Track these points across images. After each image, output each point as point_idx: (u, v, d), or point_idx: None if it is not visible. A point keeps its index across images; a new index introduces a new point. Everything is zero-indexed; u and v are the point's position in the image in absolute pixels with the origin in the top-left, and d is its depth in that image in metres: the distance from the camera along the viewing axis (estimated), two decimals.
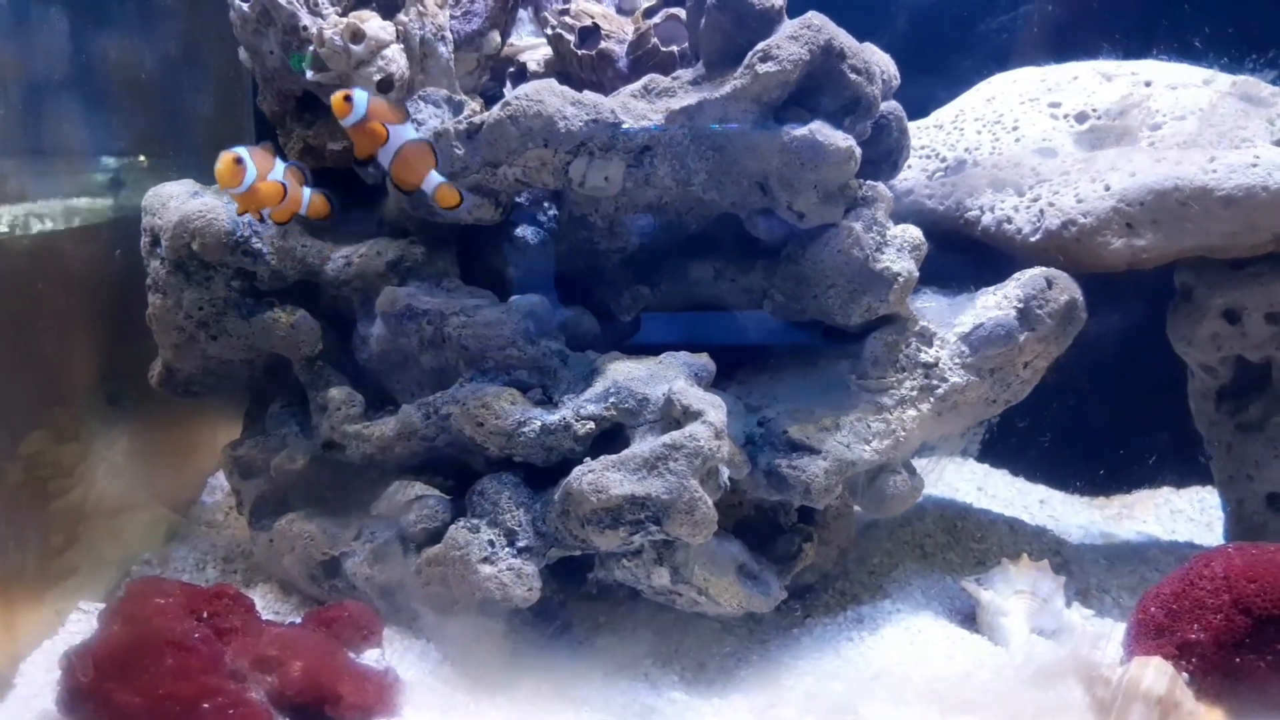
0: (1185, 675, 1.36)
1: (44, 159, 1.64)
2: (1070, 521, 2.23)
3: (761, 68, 1.52)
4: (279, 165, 1.50)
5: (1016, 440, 2.32)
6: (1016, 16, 2.24)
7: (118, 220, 1.78)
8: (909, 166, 1.88)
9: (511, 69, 1.83)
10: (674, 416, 1.48)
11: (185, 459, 2.07)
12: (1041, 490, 2.43)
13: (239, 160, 1.44)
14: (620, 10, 1.90)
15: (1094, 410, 2.34)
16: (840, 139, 1.54)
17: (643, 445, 1.46)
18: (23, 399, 1.52)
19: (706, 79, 1.58)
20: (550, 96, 1.50)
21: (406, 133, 1.46)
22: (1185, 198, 1.66)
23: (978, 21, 2.24)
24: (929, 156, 1.91)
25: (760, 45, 1.53)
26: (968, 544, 1.99)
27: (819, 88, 1.58)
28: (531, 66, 1.80)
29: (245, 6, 1.58)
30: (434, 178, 1.48)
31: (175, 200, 1.63)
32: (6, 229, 1.49)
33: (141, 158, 1.89)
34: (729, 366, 1.67)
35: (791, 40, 1.53)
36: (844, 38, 1.57)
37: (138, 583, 1.40)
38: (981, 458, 2.47)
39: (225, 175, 1.43)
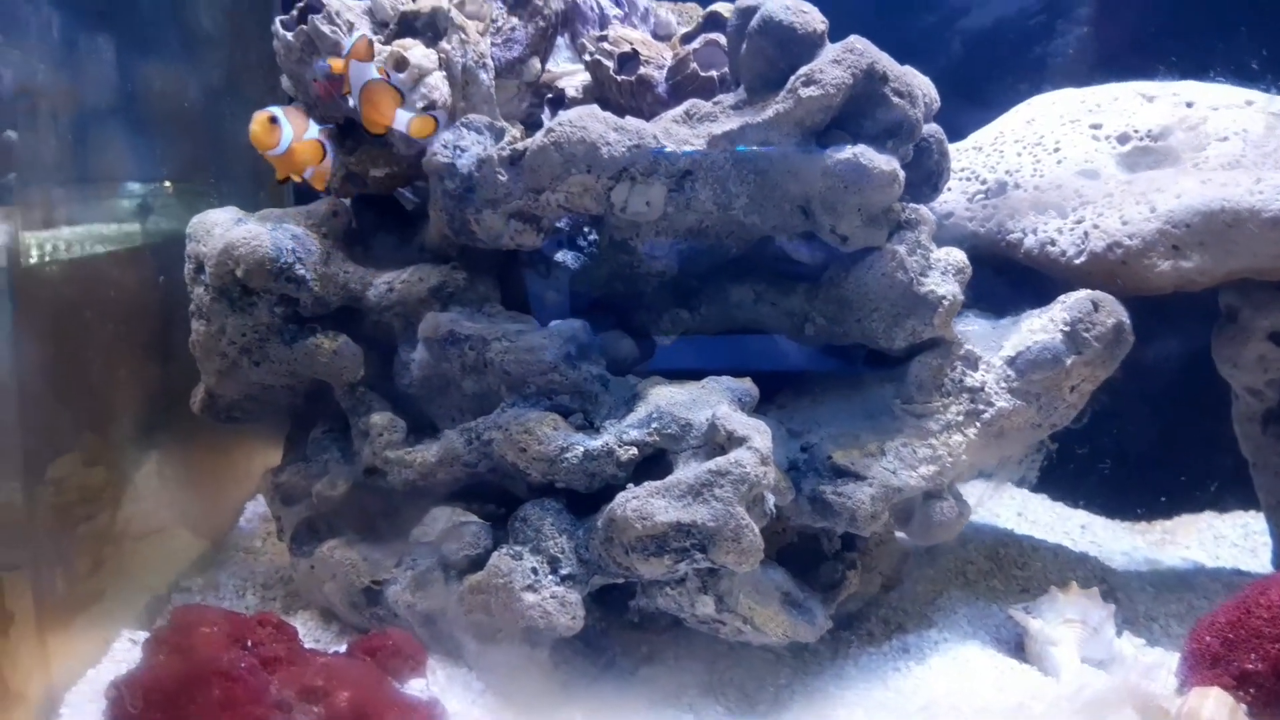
0: (1244, 706, 1.33)
1: (89, 186, 1.65)
2: (1113, 547, 2.19)
3: (804, 92, 1.52)
4: (313, 125, 1.49)
5: (1056, 465, 2.29)
6: (1059, 39, 2.24)
7: (160, 246, 1.79)
8: (949, 189, 1.87)
9: (550, 95, 1.84)
10: (718, 442, 1.46)
11: (223, 484, 2.08)
12: (1082, 515, 2.40)
13: (274, 119, 1.41)
14: (655, 36, 1.91)
15: (1135, 434, 2.31)
16: (884, 162, 1.53)
17: (687, 471, 1.44)
18: (65, 422, 1.52)
19: (748, 103, 1.58)
20: (593, 123, 1.50)
21: (369, 70, 1.47)
22: (1233, 219, 1.64)
23: (1017, 44, 2.23)
24: (969, 179, 1.90)
25: (803, 69, 1.53)
26: (1011, 571, 1.96)
27: (861, 111, 1.57)
28: (570, 93, 1.81)
29: (290, 35, 1.59)
30: (403, 115, 1.49)
31: (219, 227, 1.63)
32: (52, 252, 1.50)
33: (167, 184, 1.91)
34: (769, 390, 1.66)
35: (834, 64, 1.52)
36: (886, 61, 1.56)
37: (182, 611, 1.39)
38: (1021, 482, 2.44)
39: (261, 136, 1.41)
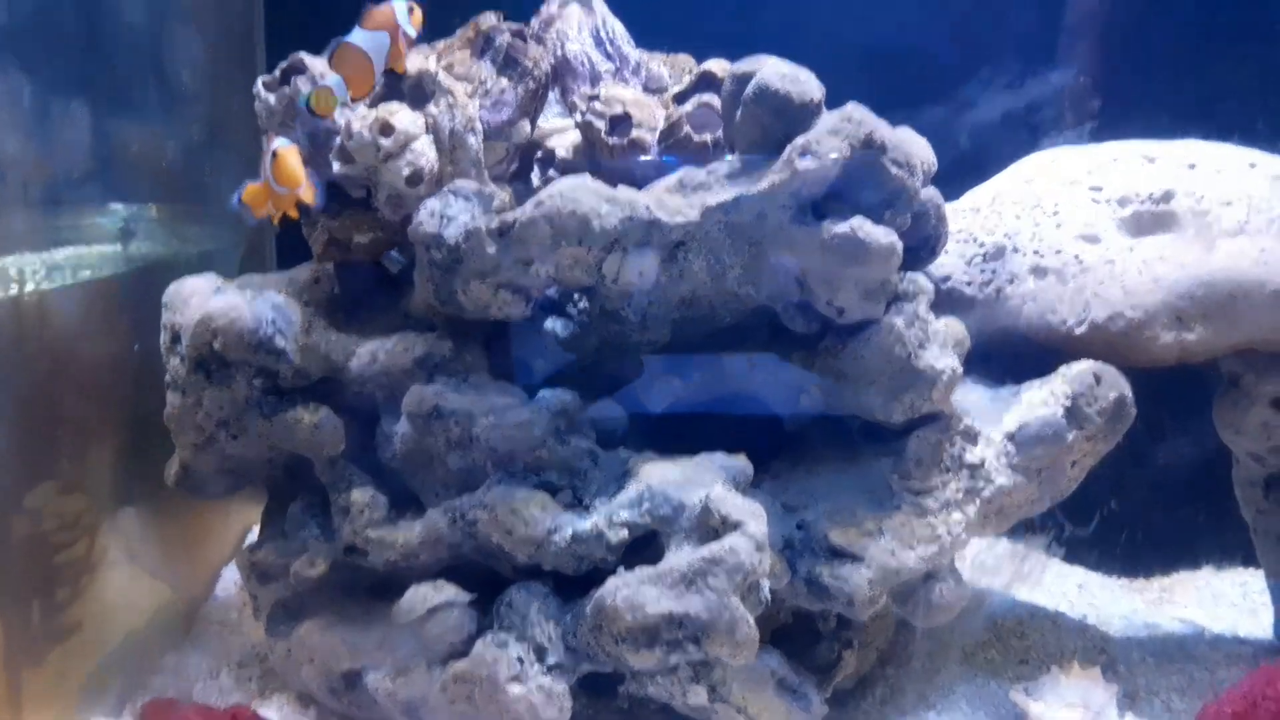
0: None
1: (69, 211, 1.60)
2: (1111, 610, 2.15)
3: (800, 164, 1.48)
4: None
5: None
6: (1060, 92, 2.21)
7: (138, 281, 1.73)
8: (946, 251, 1.83)
9: (539, 154, 1.79)
10: (711, 525, 1.42)
11: (197, 552, 2.01)
12: (1079, 573, 2.36)
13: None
14: (647, 89, 1.86)
15: (1131, 489, 2.28)
16: (882, 235, 1.49)
17: (679, 558, 1.40)
18: (34, 492, 1.46)
19: (742, 173, 1.54)
20: (585, 194, 1.46)
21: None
22: (1238, 291, 1.60)
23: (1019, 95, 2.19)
24: (967, 241, 1.86)
25: (799, 140, 1.49)
26: (1009, 640, 1.92)
27: (859, 181, 1.53)
28: (560, 153, 1.76)
29: (272, 98, 1.54)
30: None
31: (197, 296, 1.58)
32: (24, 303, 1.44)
33: (152, 207, 1.86)
34: (761, 458, 1.61)
35: (832, 135, 1.48)
36: (885, 130, 1.52)
37: (151, 706, 1.33)
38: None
39: (298, 170, 1.41)
